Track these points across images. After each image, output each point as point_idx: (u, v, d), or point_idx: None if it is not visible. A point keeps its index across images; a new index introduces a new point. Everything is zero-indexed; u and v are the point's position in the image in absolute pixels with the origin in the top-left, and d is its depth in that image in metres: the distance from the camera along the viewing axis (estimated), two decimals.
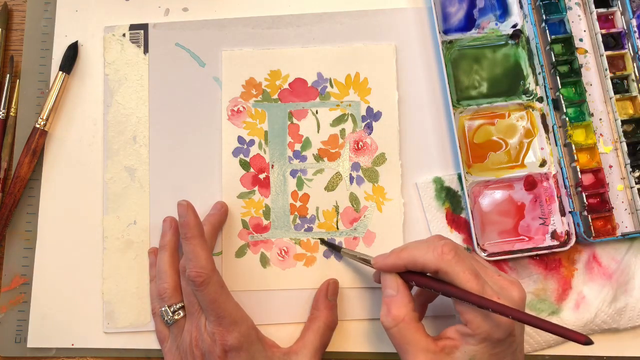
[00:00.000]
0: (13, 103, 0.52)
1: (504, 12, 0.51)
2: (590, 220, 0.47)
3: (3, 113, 0.51)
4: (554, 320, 0.47)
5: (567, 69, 0.50)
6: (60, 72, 0.51)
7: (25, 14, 0.53)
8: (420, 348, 0.38)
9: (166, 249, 0.47)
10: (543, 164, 0.49)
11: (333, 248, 0.48)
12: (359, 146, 0.50)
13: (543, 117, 0.50)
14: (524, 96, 0.50)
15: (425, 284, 0.40)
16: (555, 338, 0.47)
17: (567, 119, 0.49)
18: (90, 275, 0.49)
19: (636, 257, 0.48)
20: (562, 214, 0.48)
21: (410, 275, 0.40)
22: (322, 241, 0.49)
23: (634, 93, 0.49)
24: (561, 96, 0.49)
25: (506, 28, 0.51)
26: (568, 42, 0.50)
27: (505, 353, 0.38)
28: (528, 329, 0.46)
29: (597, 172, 0.49)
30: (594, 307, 0.47)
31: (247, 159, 0.50)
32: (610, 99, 0.49)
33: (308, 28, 0.52)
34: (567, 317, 0.47)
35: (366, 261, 0.44)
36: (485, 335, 0.37)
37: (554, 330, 0.34)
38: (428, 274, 0.40)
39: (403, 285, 0.40)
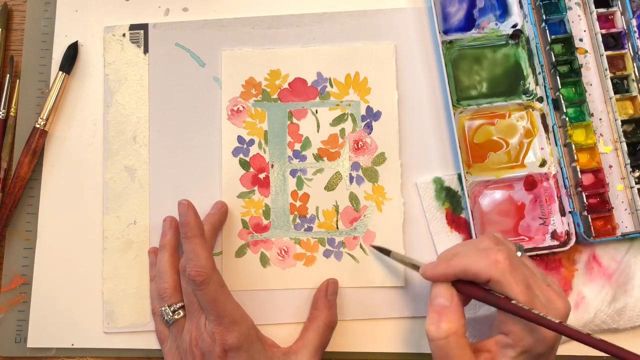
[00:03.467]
0: (13, 103, 0.52)
1: (504, 12, 0.51)
2: (590, 220, 0.47)
3: (3, 113, 0.51)
4: None
5: (567, 69, 0.50)
6: (60, 72, 0.51)
7: (25, 14, 0.53)
8: None
9: (166, 249, 0.47)
10: (543, 164, 0.49)
11: (382, 252, 0.47)
12: (359, 146, 0.50)
13: (543, 117, 0.50)
14: (524, 96, 0.50)
15: (476, 296, 0.38)
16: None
17: (567, 119, 0.49)
18: (90, 275, 0.49)
19: (636, 258, 0.48)
20: (562, 214, 0.48)
21: (461, 285, 0.39)
22: (372, 246, 0.48)
23: (634, 93, 0.49)
24: (561, 96, 0.49)
25: (506, 28, 0.51)
26: (568, 42, 0.50)
27: None
28: None
29: (597, 172, 0.49)
30: (593, 307, 0.47)
31: (247, 159, 0.50)
32: (610, 99, 0.49)
33: (308, 28, 0.52)
34: None
35: (416, 267, 0.42)
36: (526, 349, 0.36)
37: (615, 352, 0.33)
38: (477, 283, 0.38)
39: (457, 297, 0.38)
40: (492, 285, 0.37)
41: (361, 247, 0.49)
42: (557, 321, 0.35)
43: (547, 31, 0.50)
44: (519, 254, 0.40)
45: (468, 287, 0.38)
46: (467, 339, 0.38)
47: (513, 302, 0.36)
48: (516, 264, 0.37)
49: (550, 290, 0.38)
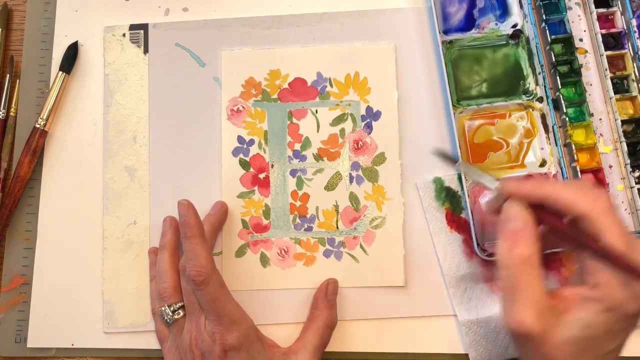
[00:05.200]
0: (13, 103, 0.52)
1: (504, 12, 0.51)
2: None
3: (3, 113, 0.51)
4: None
5: (567, 69, 0.50)
6: (60, 72, 0.51)
7: (25, 14, 0.53)
8: (533, 299, 0.32)
9: (166, 249, 0.47)
10: (543, 164, 0.49)
11: (447, 159, 0.41)
12: (359, 146, 0.50)
13: (543, 117, 0.50)
14: (524, 96, 0.50)
15: (562, 229, 0.34)
16: None
17: (567, 119, 0.49)
18: (90, 275, 0.49)
19: None
20: None
21: (544, 213, 0.34)
22: (437, 152, 0.41)
23: (634, 93, 0.49)
24: (561, 96, 0.49)
25: (506, 28, 0.51)
26: (568, 42, 0.50)
27: (622, 333, 0.33)
28: None
29: (597, 172, 0.49)
30: None
31: (247, 159, 0.50)
32: (610, 99, 0.49)
33: (308, 28, 0.52)
34: None
35: (489, 181, 0.36)
36: (615, 305, 0.32)
37: None
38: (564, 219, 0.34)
39: (532, 220, 0.34)
40: (585, 223, 0.33)
41: (361, 247, 0.49)
42: None
43: (547, 31, 0.50)
44: None
45: (553, 218, 0.34)
46: (542, 271, 0.33)
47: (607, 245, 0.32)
48: (616, 210, 0.33)
49: None
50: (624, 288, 0.32)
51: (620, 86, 0.50)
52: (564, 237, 0.34)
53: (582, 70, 0.50)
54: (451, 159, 0.41)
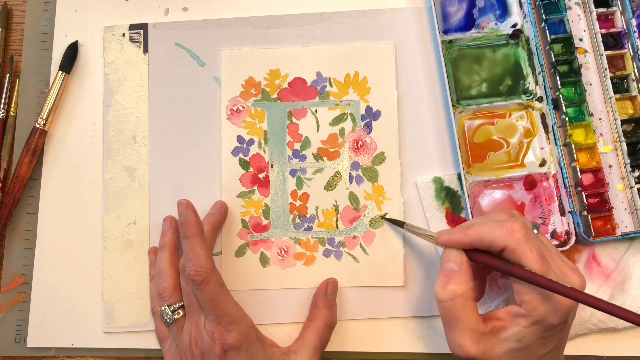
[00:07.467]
0: (13, 103, 0.52)
1: (504, 12, 0.51)
2: (590, 220, 0.47)
3: (3, 113, 0.51)
4: None
5: (567, 69, 0.50)
6: (60, 72, 0.51)
7: (25, 14, 0.53)
8: (469, 327, 0.37)
9: (166, 249, 0.47)
10: (543, 164, 0.49)
11: (396, 224, 0.48)
12: (359, 145, 0.50)
13: (543, 117, 0.50)
14: (524, 96, 0.50)
15: (491, 264, 0.39)
16: (584, 330, 0.47)
17: (567, 119, 0.49)
18: (90, 275, 0.49)
19: (635, 257, 0.48)
20: (562, 214, 0.48)
21: (476, 253, 0.39)
22: (385, 218, 0.49)
23: (634, 93, 0.49)
24: (561, 96, 0.49)
25: (506, 28, 0.51)
26: (568, 42, 0.50)
27: (553, 338, 0.38)
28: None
29: (597, 172, 0.49)
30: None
31: (247, 159, 0.50)
32: (610, 99, 0.49)
33: (308, 28, 0.52)
34: None
35: (430, 237, 0.43)
36: (539, 319, 0.37)
37: (629, 317, 0.33)
38: (493, 253, 0.39)
39: (467, 262, 0.39)
40: (507, 254, 0.38)
41: (361, 247, 0.49)
42: (569, 286, 0.35)
43: (547, 31, 0.50)
44: (535, 231, 0.40)
45: (483, 256, 0.39)
46: (474, 303, 0.38)
47: (527, 269, 0.36)
48: (532, 235, 0.38)
49: (565, 266, 0.38)
50: (546, 303, 0.37)
51: (620, 86, 0.50)
52: (496, 269, 0.39)
53: (582, 70, 0.50)
54: (399, 223, 0.47)
